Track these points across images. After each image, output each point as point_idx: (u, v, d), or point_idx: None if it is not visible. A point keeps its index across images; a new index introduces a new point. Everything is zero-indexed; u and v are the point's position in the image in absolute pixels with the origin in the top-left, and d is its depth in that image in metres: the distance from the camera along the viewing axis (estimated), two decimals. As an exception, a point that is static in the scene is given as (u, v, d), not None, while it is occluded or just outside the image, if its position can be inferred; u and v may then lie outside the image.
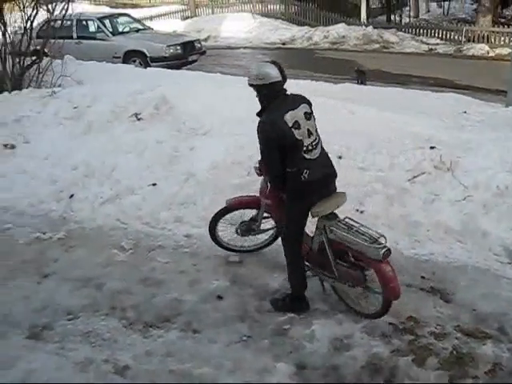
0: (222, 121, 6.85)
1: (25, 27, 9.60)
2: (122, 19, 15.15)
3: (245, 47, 19.61)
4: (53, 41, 10.39)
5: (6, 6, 10.23)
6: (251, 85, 4.00)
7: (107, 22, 14.31)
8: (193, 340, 4.00)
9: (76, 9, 13.28)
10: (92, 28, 14.14)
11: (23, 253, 5.37)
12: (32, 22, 9.63)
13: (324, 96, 7.66)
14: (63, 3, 10.20)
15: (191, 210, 5.81)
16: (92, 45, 13.48)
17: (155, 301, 4.47)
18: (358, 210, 5.42)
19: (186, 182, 6.14)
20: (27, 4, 9.80)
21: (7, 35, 9.31)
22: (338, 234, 3.97)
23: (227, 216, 4.96)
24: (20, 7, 9.78)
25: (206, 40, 20.35)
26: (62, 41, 10.48)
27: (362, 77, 11.27)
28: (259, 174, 4.63)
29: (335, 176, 4.17)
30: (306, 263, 4.32)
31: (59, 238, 5.62)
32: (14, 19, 9.78)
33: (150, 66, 12.42)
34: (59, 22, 10.73)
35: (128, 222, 5.81)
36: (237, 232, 4.94)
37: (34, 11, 9.65)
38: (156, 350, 3.88)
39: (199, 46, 14.68)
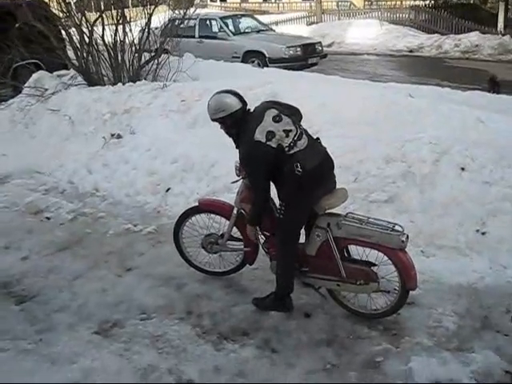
0: (333, 122, 6.30)
1: (145, 24, 9.66)
2: (244, 20, 15.04)
3: (369, 53, 18.87)
4: (174, 39, 10.46)
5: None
6: (214, 119, 3.83)
7: (229, 21, 14.24)
8: (269, 361, 3.51)
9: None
10: (214, 27, 14.14)
11: (111, 244, 5.22)
12: (149, 21, 9.66)
13: (451, 102, 6.87)
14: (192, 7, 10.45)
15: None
16: (213, 44, 13.47)
17: (235, 310, 4.04)
18: (478, 231, 4.66)
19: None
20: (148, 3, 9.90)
21: (127, 31, 9.37)
22: (349, 228, 3.69)
23: (195, 220, 4.48)
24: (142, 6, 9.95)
25: (329, 45, 19.86)
26: (181, 39, 10.50)
27: (495, 86, 10.20)
28: (239, 175, 4.11)
29: (333, 164, 3.85)
30: (303, 270, 3.94)
31: (149, 232, 5.41)
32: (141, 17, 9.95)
33: (267, 67, 12.14)
34: (183, 21, 10.73)
35: (222, 221, 5.45)
36: (202, 245, 4.43)
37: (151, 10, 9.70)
38: (226, 367, 3.45)
39: (320, 48, 14.18)
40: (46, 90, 8.90)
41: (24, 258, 5.01)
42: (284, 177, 3.67)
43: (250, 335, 3.76)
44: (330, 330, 3.80)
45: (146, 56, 9.85)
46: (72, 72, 9.84)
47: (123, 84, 8.74)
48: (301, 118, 4.09)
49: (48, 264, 4.86)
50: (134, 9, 10.63)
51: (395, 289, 3.77)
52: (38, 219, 5.84)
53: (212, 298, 4.20)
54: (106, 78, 9.35)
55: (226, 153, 6.18)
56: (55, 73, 9.88)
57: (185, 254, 4.57)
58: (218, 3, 35.98)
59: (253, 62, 12.80)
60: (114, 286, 4.44)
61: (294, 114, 3.97)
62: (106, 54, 9.33)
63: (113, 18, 9.35)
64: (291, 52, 13.02)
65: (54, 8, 9.66)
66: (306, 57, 13.36)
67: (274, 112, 3.75)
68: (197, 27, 13.87)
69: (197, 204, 4.49)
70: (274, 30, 16.03)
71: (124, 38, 9.39)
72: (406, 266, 3.64)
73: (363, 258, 3.88)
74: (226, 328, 3.84)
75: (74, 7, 9.88)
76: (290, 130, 3.69)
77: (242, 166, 3.82)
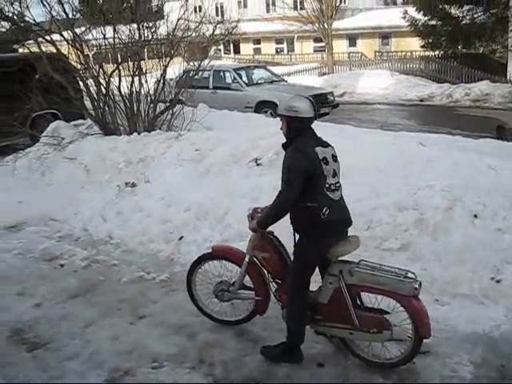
0: (346, 170, 6.29)
1: (160, 76, 9.93)
2: (257, 71, 15.39)
3: (380, 103, 19.14)
4: (189, 90, 10.71)
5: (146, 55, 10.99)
6: (281, 115, 3.83)
7: (243, 73, 14.58)
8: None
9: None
10: (228, 79, 14.47)
11: (124, 291, 5.22)
12: (165, 72, 9.92)
13: (462, 150, 6.92)
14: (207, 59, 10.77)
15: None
16: (226, 94, 13.75)
17: (247, 360, 3.99)
18: (492, 279, 4.62)
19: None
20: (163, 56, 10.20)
21: (143, 82, 9.62)
22: (362, 276, 3.68)
23: (208, 267, 4.48)
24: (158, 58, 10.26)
25: (341, 95, 20.17)
26: (196, 90, 10.76)
27: (503, 133, 10.28)
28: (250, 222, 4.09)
29: (351, 223, 3.92)
30: (316, 318, 3.90)
31: (162, 280, 5.41)
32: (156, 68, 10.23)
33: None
34: (197, 72, 11.01)
35: (234, 269, 5.45)
36: (214, 292, 4.39)
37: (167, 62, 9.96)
38: (238, 418, 3.39)
39: (332, 98, 14.42)
40: (63, 139, 9.11)
41: (37, 304, 5.02)
42: (306, 212, 3.66)
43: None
44: (344, 380, 3.74)
45: (160, 106, 10.08)
46: (88, 122, 10.09)
47: (138, 133, 8.93)
48: None
49: (61, 311, 4.87)
50: (150, 61, 10.92)
51: (409, 337, 3.72)
52: (51, 266, 5.88)
53: (224, 347, 4.16)
54: (121, 128, 9.57)
55: (239, 201, 6.30)
56: (72, 122, 10.14)
57: (197, 301, 4.55)
58: (232, 55, 36.89)
59: (265, 112, 13.02)
60: (127, 333, 4.42)
61: None
62: (122, 104, 9.57)
63: (129, 70, 9.62)
64: (303, 102, 13.21)
65: (73, 60, 9.98)
66: (318, 107, 13.53)
67: (334, 151, 3.86)
68: (211, 78, 14.20)
69: (210, 250, 4.49)
70: (287, 81, 16.35)
71: (140, 89, 9.64)
72: (420, 314, 3.60)
73: (375, 305, 3.86)
74: (239, 377, 3.80)
75: (91, 59, 10.19)
76: (336, 175, 3.80)
77: (283, 168, 3.69)
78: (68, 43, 9.58)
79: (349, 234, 3.94)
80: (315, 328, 4.01)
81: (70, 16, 9.71)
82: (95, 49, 10.36)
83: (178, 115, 9.93)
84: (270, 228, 3.99)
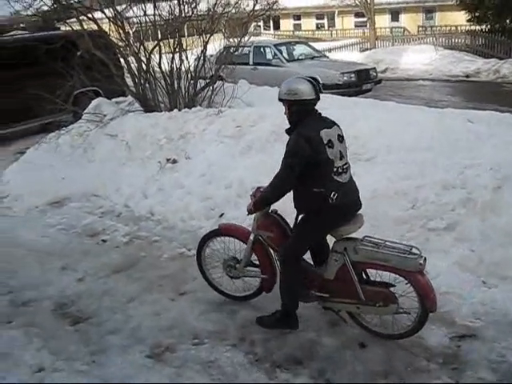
0: (389, 147, 6.19)
1: (201, 52, 9.86)
2: (298, 47, 15.12)
3: (424, 79, 18.61)
4: (229, 66, 10.63)
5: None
6: (281, 99, 3.75)
7: (283, 48, 14.35)
8: (323, 392, 3.41)
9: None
10: (268, 55, 14.27)
11: (165, 267, 5.25)
12: (205, 48, 9.84)
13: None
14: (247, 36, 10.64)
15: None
16: (267, 71, 13.56)
17: (289, 338, 3.95)
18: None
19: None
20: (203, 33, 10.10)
21: (184, 59, 9.56)
22: (365, 252, 3.70)
23: (218, 244, 4.52)
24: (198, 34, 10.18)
25: (383, 71, 19.69)
26: (236, 66, 10.67)
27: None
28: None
29: (361, 205, 3.87)
30: (319, 294, 3.92)
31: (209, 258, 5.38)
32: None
33: (322, 93, 12.10)
34: (237, 48, 10.90)
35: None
36: (222, 268, 4.45)
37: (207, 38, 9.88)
38: (279, 397, 3.36)
39: (374, 74, 14.07)
40: (105, 115, 9.15)
41: (80, 279, 5.09)
42: (313, 197, 3.63)
43: (303, 364, 3.67)
44: (387, 361, 3.66)
45: (201, 83, 10.01)
46: (130, 99, 10.10)
47: (179, 110, 8.89)
48: None
49: (103, 286, 4.93)
50: (190, 38, 10.85)
51: (415, 310, 3.74)
52: (94, 241, 5.95)
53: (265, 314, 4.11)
54: (162, 105, 9.55)
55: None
56: (113, 99, 10.16)
57: (207, 276, 4.61)
58: (272, 31, 36.48)
59: (307, 88, 12.80)
60: (168, 310, 4.44)
61: None
62: (162, 81, 9.53)
63: (170, 47, 9.58)
64: (345, 78, 12.97)
65: (114, 37, 9.98)
66: (361, 83, 13.28)
67: (339, 131, 3.77)
68: (251, 54, 14.04)
69: (217, 227, 4.54)
70: (328, 57, 16.04)
71: (180, 66, 9.57)
72: (426, 289, 3.63)
73: (382, 278, 3.88)
74: (280, 356, 3.77)
75: (132, 36, 10.16)
76: (343, 157, 3.71)
77: (285, 151, 3.65)
78: (109, 20, 9.58)
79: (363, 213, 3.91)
80: (322, 304, 4.02)
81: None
82: (135, 26, 10.33)
83: (218, 92, 9.85)
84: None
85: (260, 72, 13.59)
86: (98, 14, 9.75)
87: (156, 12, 9.45)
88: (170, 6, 9.51)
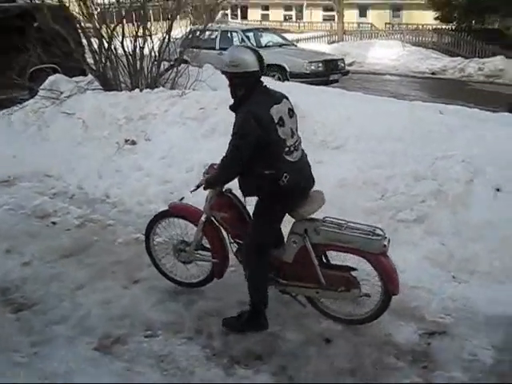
0: (359, 136, 5.98)
1: (165, 33, 9.50)
2: (266, 34, 14.86)
3: (391, 74, 18.63)
4: (194, 50, 10.33)
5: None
6: (223, 72, 3.43)
7: (251, 35, 14.07)
8: (285, 390, 3.16)
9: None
10: (235, 40, 13.94)
11: (119, 253, 4.93)
12: (170, 29, 9.49)
13: (482, 121, 6.54)
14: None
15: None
16: (233, 56, 13.26)
17: (250, 332, 3.68)
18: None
19: (308, 198, 5.36)
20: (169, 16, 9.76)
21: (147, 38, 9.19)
22: (327, 234, 3.50)
23: (166, 226, 4.26)
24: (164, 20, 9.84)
25: (350, 65, 19.59)
26: (202, 51, 10.40)
27: (514, 109, 9.85)
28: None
29: (313, 183, 3.67)
30: (278, 280, 3.70)
31: (159, 242, 5.05)
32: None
33: (288, 81, 11.90)
34: (203, 32, 10.59)
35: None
36: (172, 252, 4.17)
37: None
38: (238, 395, 3.10)
39: (342, 65, 13.94)
40: (62, 93, 8.69)
41: (26, 263, 4.71)
42: (263, 179, 3.37)
43: (264, 360, 3.41)
44: (354, 358, 3.43)
45: (165, 64, 9.65)
46: (89, 77, 9.65)
47: (140, 90, 8.51)
48: None
49: (50, 271, 4.56)
50: (156, 22, 10.44)
51: (377, 293, 3.60)
52: (43, 224, 5.55)
53: (224, 314, 3.82)
54: (123, 85, 9.13)
55: (245, 163, 5.93)
56: (73, 78, 9.69)
57: (155, 260, 4.34)
58: (239, 20, 36.09)
59: (273, 76, 12.55)
60: (119, 298, 4.12)
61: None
62: (124, 59, 9.13)
63: (133, 24, 9.19)
64: (313, 67, 12.79)
65: (75, 12, 9.51)
66: (328, 73, 13.13)
67: (289, 104, 3.50)
68: (218, 39, 13.72)
69: (167, 208, 4.25)
70: (296, 46, 15.83)
71: (143, 45, 9.20)
72: (389, 271, 3.49)
73: (343, 262, 3.70)
74: (239, 351, 3.49)
75: (96, 18, 9.71)
76: (294, 134, 3.48)
77: (233, 132, 3.36)
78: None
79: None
80: (280, 288, 3.79)
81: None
82: (100, 7, 9.86)
83: (182, 74, 9.50)
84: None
85: (226, 57, 13.28)
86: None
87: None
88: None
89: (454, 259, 4.40)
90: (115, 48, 9.13)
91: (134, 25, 9.37)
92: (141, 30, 9.12)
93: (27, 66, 9.01)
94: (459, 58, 19.91)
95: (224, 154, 3.47)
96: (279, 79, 12.27)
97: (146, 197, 5.91)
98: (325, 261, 3.70)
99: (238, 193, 3.81)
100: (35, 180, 6.70)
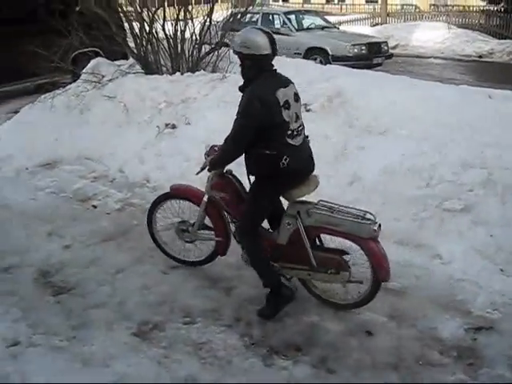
0: (403, 121, 5.79)
1: (206, 16, 9.42)
2: (308, 16, 14.58)
3: (435, 57, 18.06)
4: (235, 33, 10.22)
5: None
6: (235, 52, 3.46)
7: (293, 17, 13.82)
8: (325, 382, 3.07)
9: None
10: (277, 23, 13.74)
11: (159, 238, 4.86)
12: (211, 12, 9.41)
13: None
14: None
15: (352, 219, 4.88)
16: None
17: (288, 321, 3.62)
18: None
19: (351, 185, 5.23)
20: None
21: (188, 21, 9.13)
22: (319, 217, 3.52)
23: (170, 206, 4.38)
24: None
25: (394, 48, 19.12)
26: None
27: None
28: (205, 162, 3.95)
29: (313, 168, 3.68)
30: (272, 260, 3.74)
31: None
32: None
33: (330, 65, 11.66)
34: (244, 15, 10.48)
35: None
36: (175, 232, 4.27)
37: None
38: (276, 386, 3.03)
39: (386, 48, 13.58)
40: (103, 76, 8.71)
41: (66, 246, 4.74)
42: (264, 159, 3.40)
43: (303, 351, 3.34)
44: (396, 352, 3.33)
45: (206, 48, 9.58)
46: (131, 61, 9.66)
47: (181, 74, 8.47)
48: None
49: (90, 254, 4.58)
50: (197, 6, 10.38)
51: (368, 279, 3.60)
52: (84, 207, 5.59)
53: (262, 303, 3.77)
54: (164, 68, 9.12)
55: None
56: (115, 62, 9.72)
57: (157, 241, 4.45)
58: (280, 3, 35.66)
59: (315, 59, 12.34)
60: (158, 283, 4.10)
61: None
62: (165, 43, 9.10)
63: (175, 7, 9.14)
64: (356, 50, 12.50)
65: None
66: (371, 56, 12.80)
67: (295, 89, 3.52)
68: (259, 22, 13.51)
69: (169, 189, 4.35)
70: (339, 28, 15.52)
71: (184, 28, 9.14)
72: (378, 256, 3.47)
73: (338, 246, 3.72)
74: (278, 341, 3.43)
75: (137, 1, 9.69)
76: (298, 118, 3.49)
77: (237, 112, 3.41)
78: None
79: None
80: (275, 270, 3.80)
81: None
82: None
83: (223, 57, 9.41)
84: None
85: (267, 40, 13.10)
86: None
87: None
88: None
89: (503, 251, 4.22)
90: (156, 31, 9.10)
91: (175, 8, 9.36)
92: (182, 13, 9.11)
93: (70, 49, 9.07)
94: (508, 40, 19.20)
95: (228, 134, 3.51)
96: (321, 62, 12.01)
97: (186, 181, 5.81)
98: (318, 244, 3.75)
99: (239, 174, 3.88)
100: (76, 163, 6.74)
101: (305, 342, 3.41)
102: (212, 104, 7.10)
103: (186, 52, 9.15)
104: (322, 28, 13.99)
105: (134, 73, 8.81)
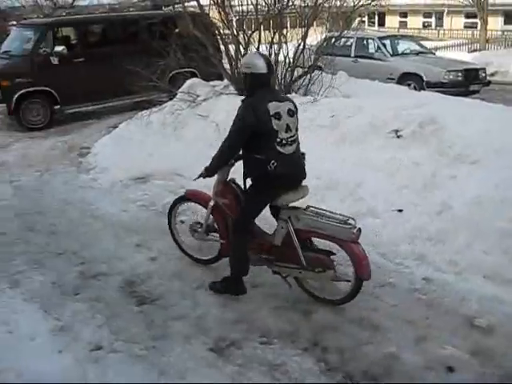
0: (498, 151, 5.56)
1: (301, 39, 9.54)
2: (403, 41, 14.33)
3: (540, 87, 17.23)
4: (329, 57, 10.28)
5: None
6: (242, 72, 4.06)
7: (387, 42, 13.64)
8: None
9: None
10: (371, 47, 13.63)
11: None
12: (305, 36, 9.52)
13: None
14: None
15: (439, 249, 4.72)
16: (368, 64, 12.95)
17: (366, 349, 3.54)
18: None
19: (439, 214, 5.07)
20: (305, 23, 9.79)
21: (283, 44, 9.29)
22: (306, 221, 3.96)
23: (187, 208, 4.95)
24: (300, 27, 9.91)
25: (492, 75, 18.34)
26: (336, 58, 10.41)
27: None
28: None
29: (303, 177, 4.14)
30: (269, 259, 4.18)
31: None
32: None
33: (424, 91, 11.42)
34: (339, 39, 10.53)
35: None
36: (189, 231, 4.77)
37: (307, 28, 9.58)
38: (349, 415, 2.96)
39: (483, 75, 13.09)
40: (198, 96, 9.01)
41: (152, 258, 4.91)
42: (255, 163, 3.85)
43: (379, 380, 3.25)
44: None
45: (298, 71, 9.68)
46: (225, 82, 9.94)
47: (274, 96, 8.60)
48: None
49: (175, 268, 4.72)
50: (292, 30, 10.52)
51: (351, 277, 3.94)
52: (172, 221, 5.75)
53: (341, 331, 3.73)
54: (257, 90, 9.30)
55: (374, 174, 5.77)
56: (210, 83, 10.03)
57: (175, 237, 4.94)
58: (376, 28, 35.41)
59: (409, 85, 12.12)
60: (237, 301, 4.13)
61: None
62: (259, 65, 9.28)
63: (270, 31, 9.32)
64: (451, 77, 12.14)
65: (215, 18, 9.85)
66: (468, 83, 12.38)
67: (291, 106, 3.96)
68: (353, 46, 13.48)
69: (183, 194, 4.86)
70: (435, 54, 15.16)
71: (279, 51, 9.29)
72: (358, 257, 3.83)
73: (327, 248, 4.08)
74: (354, 368, 3.36)
75: (234, 25, 9.98)
76: (290, 130, 3.89)
77: (233, 120, 3.88)
78: (215, 3, 9.42)
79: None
80: (271, 268, 4.21)
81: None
82: (238, 14, 10.12)
83: (315, 81, 9.49)
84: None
85: (361, 65, 13.00)
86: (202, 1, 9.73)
87: (259, 1, 9.19)
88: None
89: None
90: (251, 54, 9.34)
91: (270, 31, 9.56)
92: (277, 37, 9.29)
93: (167, 69, 9.48)
94: None
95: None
96: (415, 88, 11.80)
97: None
98: (309, 246, 4.12)
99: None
100: (167, 178, 6.98)
101: (382, 373, 3.32)
102: (302, 126, 7.09)
103: (279, 75, 9.30)
104: (418, 53, 13.71)
105: (228, 93, 9.05)
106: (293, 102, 4.02)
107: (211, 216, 4.47)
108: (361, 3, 10.14)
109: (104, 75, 10.38)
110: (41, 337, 3.71)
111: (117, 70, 9.86)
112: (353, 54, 13.45)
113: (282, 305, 4.10)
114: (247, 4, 9.43)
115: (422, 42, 16.63)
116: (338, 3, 10.32)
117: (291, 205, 4.02)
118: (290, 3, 9.44)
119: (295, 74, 9.52)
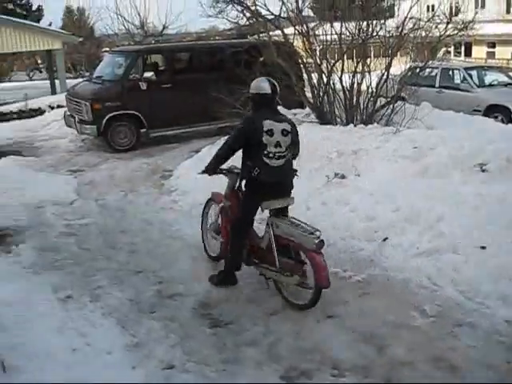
0: None
1: (384, 69, 9.48)
2: (490, 72, 13.93)
3: None
4: (412, 87, 10.13)
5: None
6: (250, 93, 4.68)
7: (474, 73, 13.30)
8: None
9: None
10: (457, 78, 13.33)
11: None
12: (389, 66, 9.46)
13: None
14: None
15: (523, 291, 4.48)
16: (453, 95, 12.67)
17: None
18: None
19: (525, 254, 4.82)
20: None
21: (366, 74, 9.27)
22: (282, 228, 4.40)
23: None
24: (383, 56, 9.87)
25: None
26: (420, 88, 10.34)
27: None
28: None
29: (290, 187, 4.71)
30: (255, 261, 4.72)
31: (358, 281, 4.98)
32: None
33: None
34: (423, 69, 10.40)
35: (440, 283, 4.78)
36: (209, 229, 5.43)
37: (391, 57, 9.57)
38: None
39: None
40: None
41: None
42: (245, 168, 4.54)
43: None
44: None
45: (381, 101, 9.61)
46: (307, 110, 10.00)
47: (354, 125, 8.58)
48: (297, 153, 4.88)
49: (250, 293, 4.73)
50: (375, 59, 10.48)
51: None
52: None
53: (417, 369, 3.59)
54: (338, 119, 9.30)
55: (456, 208, 5.57)
56: (291, 110, 10.11)
57: (202, 235, 5.53)
58: (462, 58, 34.57)
59: (496, 117, 11.73)
60: (311, 330, 4.09)
61: (295, 146, 4.74)
62: (341, 94, 9.30)
63: (353, 60, 9.34)
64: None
65: (299, 47, 9.98)
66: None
67: (287, 127, 4.53)
68: (438, 77, 13.24)
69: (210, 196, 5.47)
70: (525, 85, 14.60)
71: (361, 81, 9.27)
72: (318, 266, 4.15)
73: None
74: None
75: (318, 53, 10.06)
76: (281, 146, 4.45)
77: (235, 127, 4.69)
78: (299, 33, 9.57)
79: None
80: (257, 269, 4.73)
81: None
82: (321, 44, 10.21)
83: (398, 111, 9.40)
84: None
85: (446, 96, 12.74)
86: (287, 30, 9.91)
87: (342, 30, 9.25)
88: (358, 25, 9.28)
89: None
90: (333, 83, 9.36)
91: (353, 61, 9.57)
92: (360, 66, 9.28)
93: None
94: None
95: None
96: (502, 121, 11.39)
97: (350, 232, 5.83)
98: (288, 252, 4.47)
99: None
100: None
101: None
102: (383, 157, 7.06)
103: (361, 104, 9.28)
104: (506, 85, 13.26)
105: (309, 122, 9.12)
106: (291, 124, 4.60)
107: (220, 216, 5.10)
108: (447, 33, 9.98)
109: (189, 101, 10.72)
110: (116, 351, 3.82)
111: (202, 96, 10.20)
112: (437, 85, 13.23)
113: (356, 337, 4.01)
114: (331, 34, 9.52)
115: (511, 74, 16.14)
116: (424, 33, 10.22)
117: (278, 214, 4.52)
118: (375, 33, 9.44)
119: (378, 103, 9.47)
